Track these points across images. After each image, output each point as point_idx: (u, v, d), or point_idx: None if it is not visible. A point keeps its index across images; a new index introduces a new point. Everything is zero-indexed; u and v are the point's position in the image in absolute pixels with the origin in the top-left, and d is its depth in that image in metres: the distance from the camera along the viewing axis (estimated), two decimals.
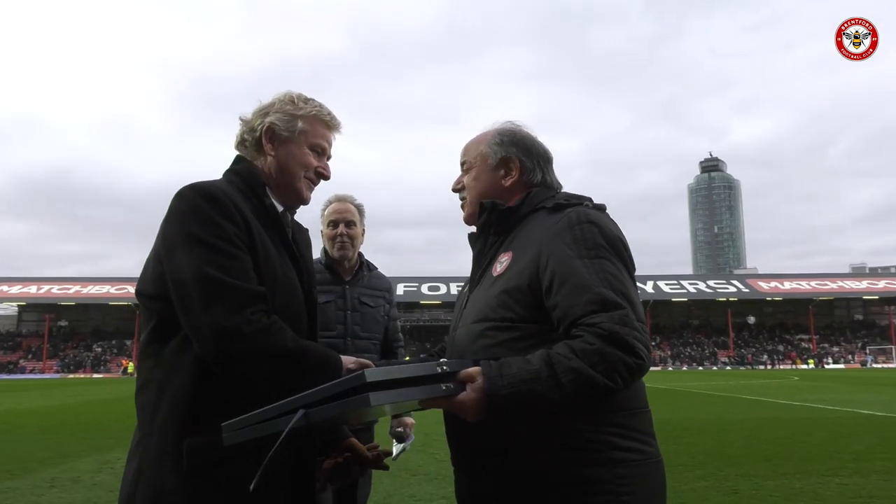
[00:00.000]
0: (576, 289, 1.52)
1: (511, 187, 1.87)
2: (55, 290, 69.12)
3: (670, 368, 62.14)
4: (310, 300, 1.78)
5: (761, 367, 62.07)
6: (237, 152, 1.84)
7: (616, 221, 1.74)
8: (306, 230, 1.97)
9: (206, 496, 1.49)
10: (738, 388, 24.12)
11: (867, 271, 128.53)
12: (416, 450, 8.87)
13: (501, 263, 1.74)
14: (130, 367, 58.98)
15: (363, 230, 3.34)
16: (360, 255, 3.37)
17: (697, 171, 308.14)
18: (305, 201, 1.84)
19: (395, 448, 3.35)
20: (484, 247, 1.87)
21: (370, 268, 3.40)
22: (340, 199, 3.29)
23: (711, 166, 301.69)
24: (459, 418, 1.48)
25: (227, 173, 1.78)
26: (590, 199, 1.78)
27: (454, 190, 1.98)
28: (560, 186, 1.93)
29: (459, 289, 2.09)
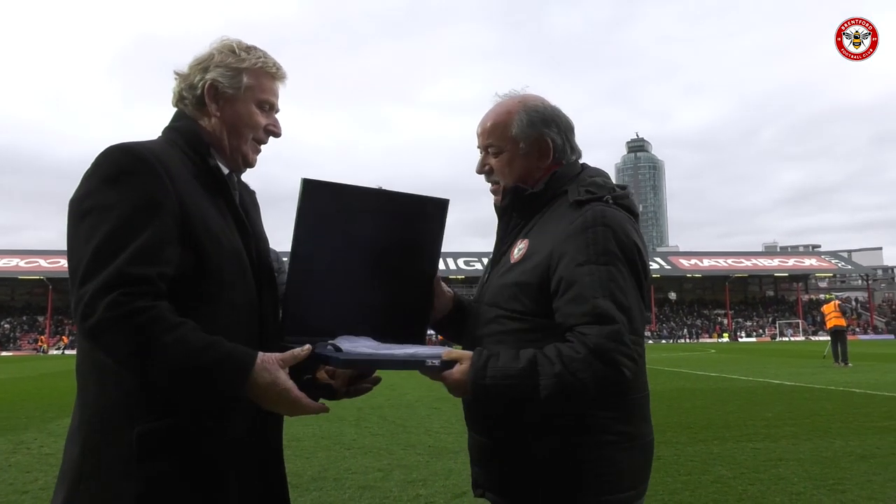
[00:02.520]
0: (577, 297, 1.55)
1: (545, 168, 1.83)
2: None
3: None
4: (260, 266, 1.66)
5: (682, 340, 64.97)
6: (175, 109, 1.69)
7: (633, 216, 1.73)
8: (253, 192, 1.85)
9: (158, 482, 1.41)
10: (659, 361, 25.17)
11: (778, 250, 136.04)
12: (350, 424, 8.88)
13: (519, 250, 1.75)
14: (46, 345, 56.19)
15: None
16: None
17: (625, 152, 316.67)
18: (251, 164, 1.72)
19: None
20: (507, 227, 1.85)
21: None
22: None
23: (637, 146, 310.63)
24: None
25: (167, 131, 1.65)
26: (612, 191, 1.72)
27: (480, 173, 1.89)
28: (581, 153, 1.89)
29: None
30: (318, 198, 1.63)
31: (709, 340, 64.26)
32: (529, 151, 1.81)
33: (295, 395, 1.42)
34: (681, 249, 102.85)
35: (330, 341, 1.62)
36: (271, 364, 1.41)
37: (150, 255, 1.38)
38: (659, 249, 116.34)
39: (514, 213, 1.82)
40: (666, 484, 5.48)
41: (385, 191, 1.79)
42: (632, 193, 1.79)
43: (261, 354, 1.42)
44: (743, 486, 5.39)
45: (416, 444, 7.37)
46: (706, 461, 6.33)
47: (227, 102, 1.65)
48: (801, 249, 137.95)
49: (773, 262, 79.03)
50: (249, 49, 1.69)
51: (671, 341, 64.08)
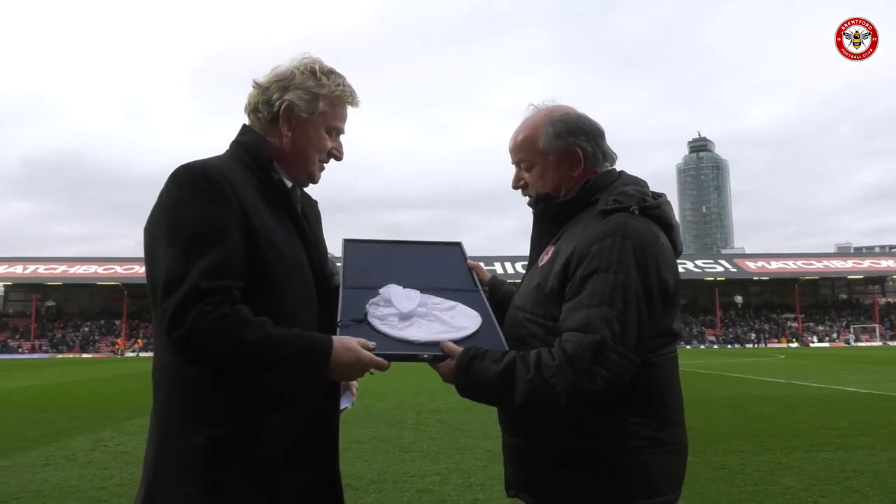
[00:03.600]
0: (576, 307, 1.59)
1: (578, 177, 1.85)
2: (41, 269, 68.48)
3: None
4: (321, 277, 1.73)
5: (749, 345, 62.80)
6: (246, 117, 1.76)
7: (658, 230, 1.70)
8: (315, 202, 1.91)
9: (224, 484, 1.49)
10: (725, 367, 24.42)
11: (852, 251, 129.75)
12: (409, 427, 8.98)
13: (547, 255, 1.79)
14: (124, 348, 58.87)
15: None
16: None
17: (686, 151, 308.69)
18: (315, 181, 1.80)
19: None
20: (538, 235, 1.90)
21: None
22: None
23: (700, 146, 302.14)
24: None
25: (233, 145, 1.72)
26: (642, 201, 1.71)
27: (516, 188, 1.95)
28: (615, 157, 1.91)
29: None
30: (354, 249, 1.83)
31: (777, 346, 61.86)
32: (559, 162, 1.84)
33: (373, 362, 1.57)
34: (747, 251, 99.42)
35: (380, 290, 1.82)
36: (350, 342, 1.55)
37: (224, 268, 1.47)
38: (724, 252, 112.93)
39: (547, 220, 1.86)
40: (731, 494, 5.33)
41: (407, 241, 2.16)
42: (666, 203, 1.77)
43: (335, 338, 1.55)
44: (813, 499, 5.19)
45: (475, 448, 7.38)
46: (774, 471, 6.12)
47: (300, 125, 1.71)
48: (877, 250, 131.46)
49: (846, 264, 75.52)
50: (330, 74, 1.74)
51: (737, 346, 62.02)
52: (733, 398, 12.67)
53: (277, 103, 1.70)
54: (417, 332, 1.71)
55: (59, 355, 58.49)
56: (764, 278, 71.85)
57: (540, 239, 1.89)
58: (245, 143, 1.72)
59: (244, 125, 1.77)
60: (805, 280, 71.25)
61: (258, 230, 1.56)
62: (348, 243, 1.86)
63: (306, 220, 1.77)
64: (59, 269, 68.54)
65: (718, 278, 71.18)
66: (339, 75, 1.77)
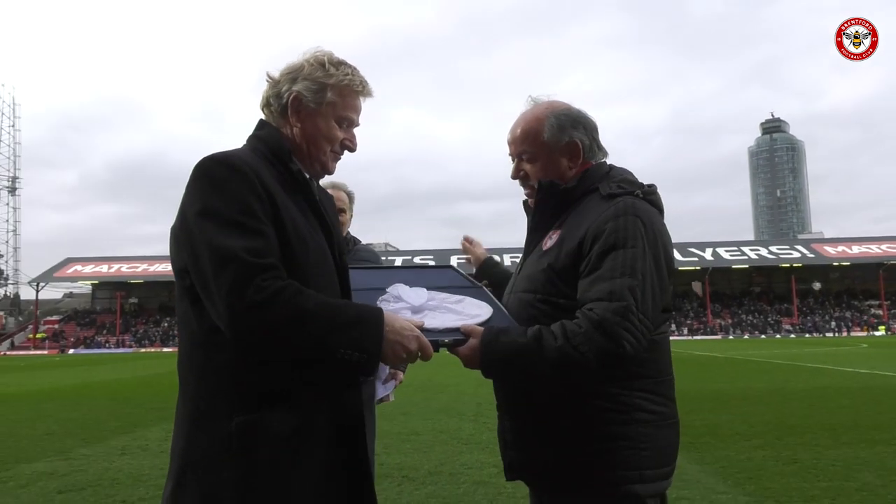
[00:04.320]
0: (597, 279, 1.67)
1: (577, 167, 1.95)
2: (125, 268, 72.17)
3: (730, 337, 60.55)
4: (340, 266, 1.76)
5: (830, 334, 59.96)
6: (262, 113, 1.79)
7: (662, 210, 1.87)
8: (331, 196, 1.95)
9: (255, 469, 1.51)
10: (801, 357, 23.39)
11: None
12: (468, 419, 8.99)
13: (552, 239, 1.87)
14: None
15: (351, 216, 3.59)
16: (347, 232, 3.57)
17: (759, 133, 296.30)
18: (330, 172, 1.81)
19: (381, 389, 3.46)
20: (539, 221, 1.97)
21: (355, 242, 3.60)
22: (334, 186, 3.45)
23: (773, 127, 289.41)
24: None
25: (251, 139, 1.75)
26: (642, 187, 1.85)
27: (515, 178, 2.02)
28: (606, 151, 2.00)
29: (513, 260, 2.18)
30: (353, 273, 1.87)
31: (860, 334, 58.76)
32: (561, 154, 1.92)
33: (422, 339, 1.60)
34: (828, 236, 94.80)
35: (387, 289, 1.89)
36: (397, 316, 1.63)
37: (268, 249, 1.52)
38: (801, 237, 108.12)
39: (549, 207, 1.93)
40: (802, 490, 5.08)
41: (402, 266, 2.35)
42: (657, 191, 1.90)
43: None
44: (893, 496, 4.89)
45: None
46: (850, 466, 5.80)
47: (309, 116, 1.73)
48: None
49: None
50: (339, 64, 1.75)
51: (816, 335, 59.29)
52: (809, 389, 12.11)
53: (286, 95, 1.73)
54: (433, 321, 1.74)
55: (143, 350, 61.51)
56: (845, 263, 68.27)
57: (541, 225, 1.97)
58: (262, 136, 1.74)
59: (261, 120, 1.79)
60: (891, 265, 67.29)
61: (285, 220, 1.59)
62: (352, 270, 1.94)
63: (325, 211, 1.79)
64: (141, 267, 72.04)
65: (795, 265, 68.12)
66: (350, 66, 1.78)
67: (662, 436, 1.74)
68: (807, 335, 59.42)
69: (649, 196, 1.84)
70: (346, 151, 1.82)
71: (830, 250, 70.43)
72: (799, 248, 72.26)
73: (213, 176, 1.57)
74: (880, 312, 65.41)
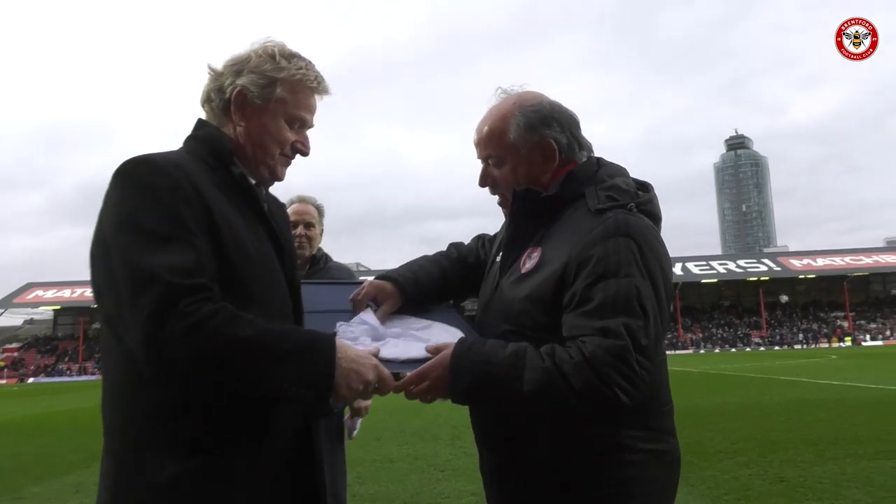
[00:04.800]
0: (587, 313, 1.44)
1: (556, 170, 1.69)
2: (88, 293, 70.17)
3: (702, 351, 61.18)
4: (291, 281, 1.54)
5: (798, 346, 60.87)
6: (202, 111, 1.58)
7: (657, 227, 1.62)
8: (283, 205, 1.72)
9: None
10: (774, 370, 23.53)
11: None
12: (445, 443, 8.71)
13: (531, 259, 1.62)
14: None
15: (321, 230, 3.40)
16: (319, 249, 3.38)
17: (724, 150, 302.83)
18: (279, 177, 1.58)
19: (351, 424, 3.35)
20: (515, 236, 1.71)
21: (327, 260, 3.42)
22: (302, 199, 3.31)
23: (738, 144, 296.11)
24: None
25: (187, 140, 1.53)
26: (635, 196, 1.61)
27: (483, 186, 1.77)
28: (591, 148, 1.75)
29: (491, 262, 1.89)
30: (308, 289, 1.70)
31: (828, 345, 59.77)
32: (531, 156, 1.67)
33: (377, 362, 1.40)
34: (792, 249, 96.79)
35: (353, 319, 1.65)
36: (350, 344, 1.42)
37: (197, 266, 1.29)
38: (766, 251, 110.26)
39: (526, 218, 1.68)
40: None
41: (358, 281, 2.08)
42: (655, 196, 1.68)
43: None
44: None
45: None
46: (838, 483, 5.65)
47: (255, 113, 1.51)
48: None
49: None
50: (291, 57, 1.55)
51: (785, 347, 60.14)
52: (786, 403, 12.06)
53: (229, 89, 1.51)
54: (392, 350, 1.52)
55: None
56: (810, 276, 69.68)
57: (518, 240, 1.70)
58: (200, 136, 1.51)
59: (199, 119, 1.56)
60: (854, 276, 68.89)
61: (221, 228, 1.36)
62: (304, 285, 1.74)
63: (274, 220, 1.56)
64: None
65: (762, 278, 69.31)
66: (304, 59, 1.56)
67: (658, 477, 1.54)
68: (776, 347, 60.23)
69: (644, 206, 1.60)
70: (297, 155, 1.59)
71: (796, 263, 71.85)
72: (766, 261, 73.59)
73: (134, 180, 1.33)
74: (846, 323, 66.72)
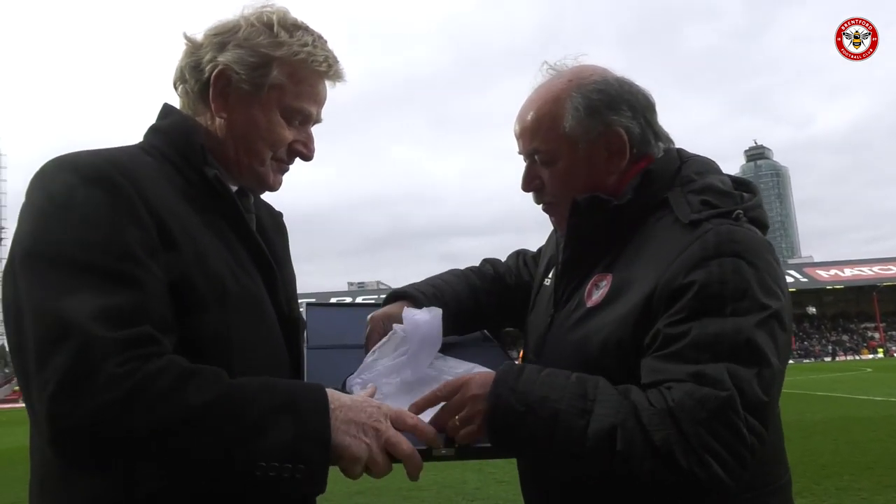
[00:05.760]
0: (674, 356, 1.08)
1: (622, 170, 1.31)
2: None
3: None
4: (285, 316, 1.20)
5: (827, 359, 59.41)
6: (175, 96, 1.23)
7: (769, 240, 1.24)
8: (279, 215, 1.37)
9: None
10: (808, 384, 22.73)
11: None
12: (473, 469, 8.30)
13: (599, 288, 1.27)
14: None
15: None
16: None
17: (743, 160, 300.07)
18: (270, 187, 1.24)
19: None
20: (577, 255, 1.33)
21: None
22: None
23: (757, 154, 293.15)
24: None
25: (147, 133, 1.18)
26: (741, 200, 1.24)
27: (527, 190, 1.39)
28: (670, 139, 1.36)
29: (538, 286, 1.52)
30: (318, 313, 1.57)
31: (858, 357, 58.22)
32: (594, 151, 1.31)
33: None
34: (818, 259, 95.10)
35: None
36: (348, 396, 1.06)
37: (139, 310, 0.94)
38: (791, 261, 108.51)
39: (590, 234, 1.30)
40: None
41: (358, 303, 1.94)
42: (761, 198, 1.31)
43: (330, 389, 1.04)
44: None
45: None
46: None
47: (240, 102, 1.16)
48: None
49: None
50: (295, 29, 1.19)
51: (813, 360, 58.69)
52: (828, 421, 11.47)
53: (209, 67, 1.15)
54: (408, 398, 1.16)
55: None
56: (838, 287, 68.20)
57: (579, 264, 1.33)
58: (163, 128, 1.17)
59: (165, 104, 1.22)
60: (884, 286, 67.24)
61: (184, 251, 1.01)
62: (311, 308, 1.48)
63: (264, 236, 1.21)
64: None
65: (789, 289, 67.82)
66: (311, 32, 1.21)
67: None
68: (804, 360, 58.83)
69: (752, 212, 1.23)
70: (297, 159, 1.24)
71: (823, 274, 70.48)
72: (791, 272, 72.18)
73: (58, 191, 0.98)
74: (877, 335, 65.06)
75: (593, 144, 1.30)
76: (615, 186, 1.31)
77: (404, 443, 1.01)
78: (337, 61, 1.23)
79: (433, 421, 1.09)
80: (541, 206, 1.42)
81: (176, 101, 1.23)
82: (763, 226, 1.26)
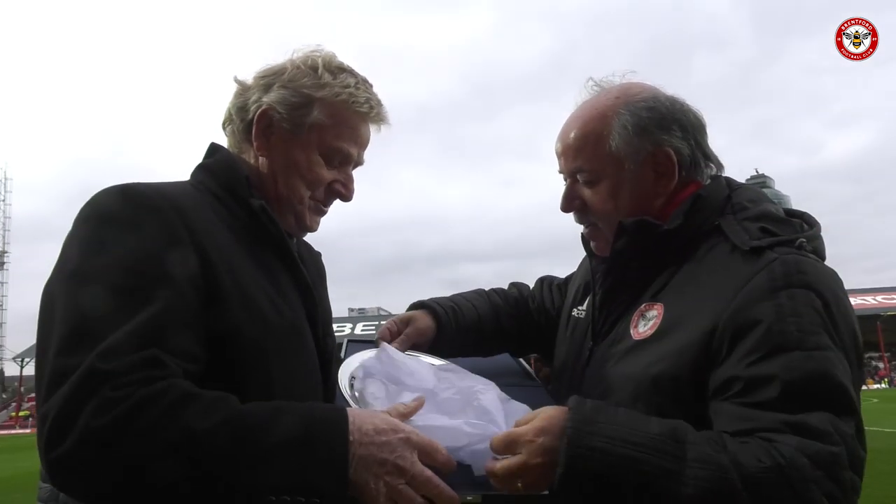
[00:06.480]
0: (765, 404, 1.00)
1: (669, 193, 1.25)
2: None
3: None
4: (323, 349, 1.19)
5: None
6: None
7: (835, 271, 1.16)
8: (318, 254, 1.38)
9: None
10: None
11: None
12: None
13: (647, 319, 1.19)
14: None
15: None
16: None
17: None
18: (309, 228, 1.25)
19: None
20: (621, 283, 1.26)
21: None
22: None
23: (759, 183, 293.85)
24: None
25: (195, 171, 1.20)
26: (802, 228, 1.18)
27: (567, 211, 1.34)
28: (720, 163, 1.30)
29: (567, 316, 1.46)
30: (355, 347, 1.48)
31: (864, 388, 57.76)
32: (642, 172, 1.26)
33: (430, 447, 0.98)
34: None
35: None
36: (376, 413, 1.01)
37: (154, 332, 0.91)
38: None
39: (636, 261, 1.24)
40: None
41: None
42: (819, 229, 1.25)
43: (351, 409, 1.00)
44: None
45: None
46: None
47: (281, 141, 1.18)
48: None
49: None
50: (340, 71, 1.20)
51: None
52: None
53: (254, 108, 1.17)
54: (437, 420, 1.08)
55: None
56: None
57: (623, 292, 1.27)
58: (209, 165, 1.18)
59: (212, 144, 1.23)
60: (888, 316, 66.88)
61: (224, 280, 1.00)
62: (352, 344, 1.43)
63: (306, 270, 1.22)
64: None
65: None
66: (356, 75, 1.22)
67: None
68: None
69: (813, 242, 1.17)
70: (336, 200, 1.26)
71: None
72: None
73: (106, 216, 0.99)
74: (881, 364, 64.53)
75: (641, 165, 1.25)
76: (661, 210, 1.26)
77: (433, 482, 0.95)
78: (381, 104, 1.24)
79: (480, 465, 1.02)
80: (582, 228, 1.37)
81: (224, 142, 1.26)
82: (822, 258, 1.21)
